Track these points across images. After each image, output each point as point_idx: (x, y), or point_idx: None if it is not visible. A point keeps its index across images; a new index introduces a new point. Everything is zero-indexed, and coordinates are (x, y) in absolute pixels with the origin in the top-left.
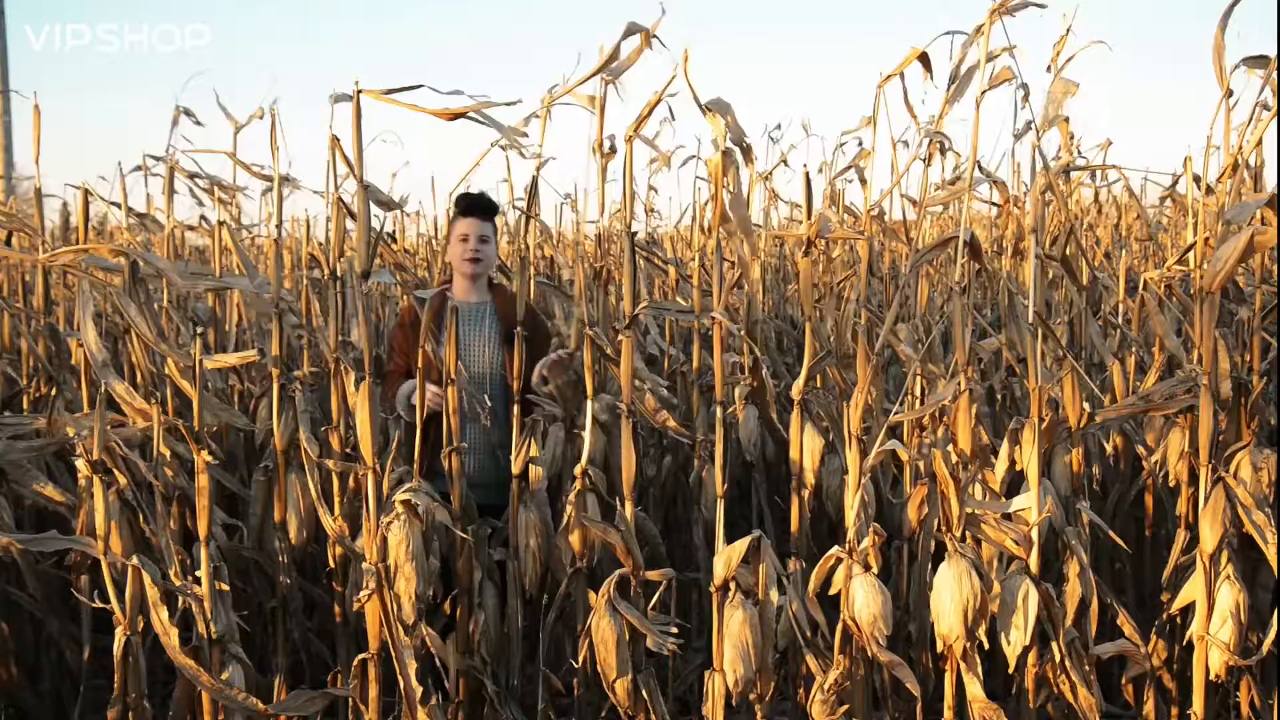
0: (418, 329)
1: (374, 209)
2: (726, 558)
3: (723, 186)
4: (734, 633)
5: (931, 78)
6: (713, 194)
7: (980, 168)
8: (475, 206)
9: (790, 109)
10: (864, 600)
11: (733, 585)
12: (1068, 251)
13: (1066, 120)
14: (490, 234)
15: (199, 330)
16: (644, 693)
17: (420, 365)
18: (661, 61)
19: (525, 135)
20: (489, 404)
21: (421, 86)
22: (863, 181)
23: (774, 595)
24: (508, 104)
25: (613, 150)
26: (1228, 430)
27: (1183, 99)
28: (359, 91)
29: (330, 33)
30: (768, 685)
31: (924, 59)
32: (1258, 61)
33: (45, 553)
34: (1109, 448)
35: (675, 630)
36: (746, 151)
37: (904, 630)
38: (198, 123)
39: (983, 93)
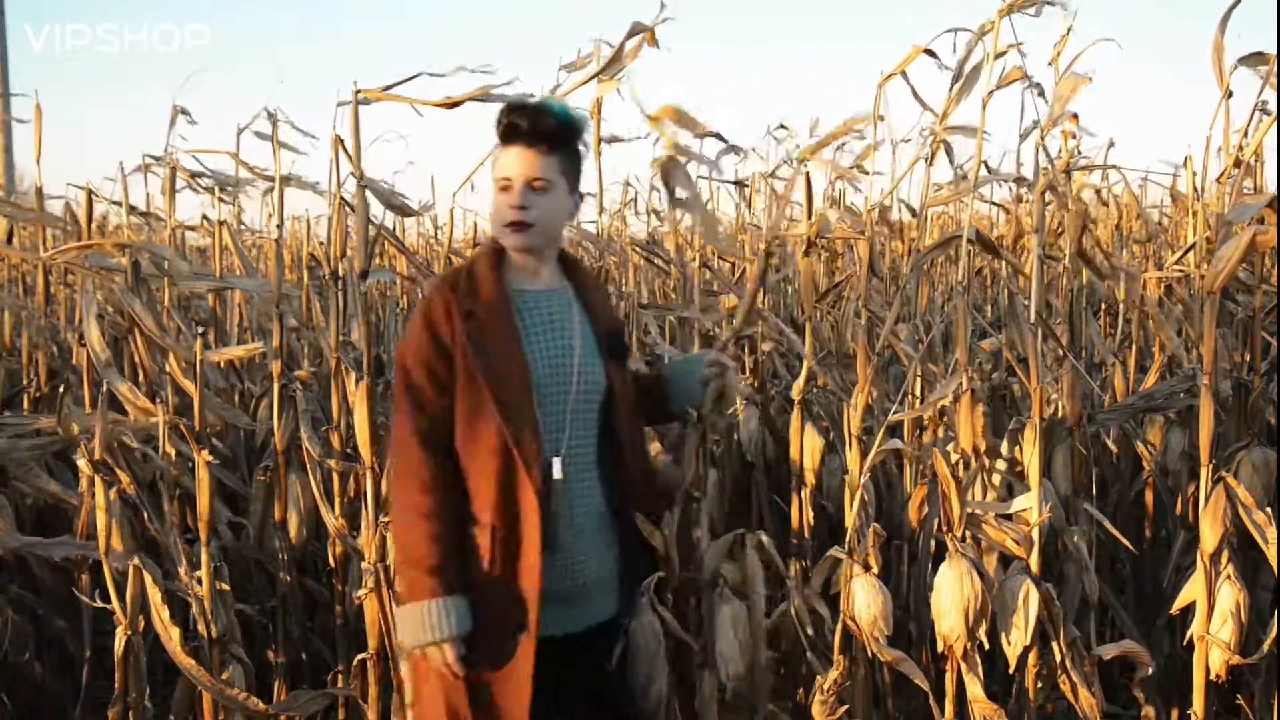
0: (455, 330)
1: (375, 208)
2: (714, 553)
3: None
4: (724, 629)
5: (941, 63)
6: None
7: (986, 166)
8: (520, 130)
9: (796, 110)
10: (864, 600)
11: (721, 581)
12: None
13: (1075, 117)
14: (554, 175)
15: (200, 330)
16: None
17: (491, 396)
18: (665, 61)
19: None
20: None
21: (419, 74)
22: (864, 172)
23: (760, 589)
24: (505, 83)
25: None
26: (1228, 430)
27: (1183, 99)
28: (358, 93)
29: (330, 32)
30: (765, 683)
31: (929, 54)
32: (1256, 59)
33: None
34: (1110, 447)
35: None
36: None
37: (904, 630)
38: (192, 121)
39: (990, 92)
